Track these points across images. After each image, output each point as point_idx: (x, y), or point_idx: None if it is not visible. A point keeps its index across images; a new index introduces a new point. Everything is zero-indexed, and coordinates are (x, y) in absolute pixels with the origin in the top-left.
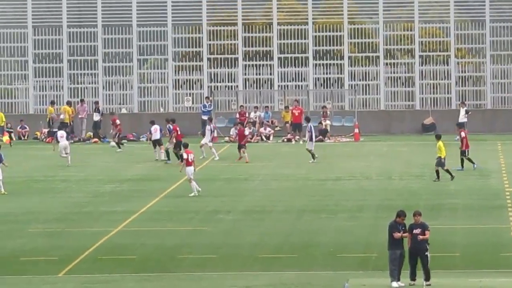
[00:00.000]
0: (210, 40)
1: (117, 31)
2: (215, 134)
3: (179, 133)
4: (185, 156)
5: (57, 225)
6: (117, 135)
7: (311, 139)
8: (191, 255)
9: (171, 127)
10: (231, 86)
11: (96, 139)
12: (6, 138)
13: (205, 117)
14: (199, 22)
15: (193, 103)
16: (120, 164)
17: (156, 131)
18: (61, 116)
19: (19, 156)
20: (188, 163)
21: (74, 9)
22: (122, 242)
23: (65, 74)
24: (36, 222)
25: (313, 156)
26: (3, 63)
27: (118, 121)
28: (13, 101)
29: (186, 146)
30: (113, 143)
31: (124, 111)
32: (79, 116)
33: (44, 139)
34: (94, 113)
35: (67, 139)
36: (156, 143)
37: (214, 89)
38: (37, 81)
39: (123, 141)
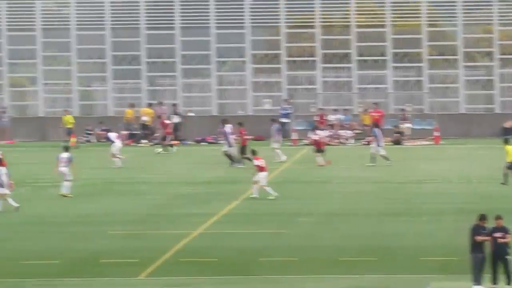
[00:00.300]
0: (288, 42)
1: (195, 33)
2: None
3: (245, 137)
4: (256, 162)
5: (137, 227)
6: (166, 138)
7: (377, 143)
8: (271, 257)
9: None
10: (310, 89)
11: (176, 141)
12: (73, 140)
13: (284, 120)
14: (277, 25)
15: (272, 105)
16: (200, 166)
17: (230, 131)
18: (143, 119)
19: (99, 158)
20: (261, 169)
21: (152, 11)
22: (202, 244)
23: (143, 76)
24: (116, 224)
25: (386, 158)
26: (82, 65)
27: (166, 122)
28: (92, 103)
29: (255, 153)
30: (158, 149)
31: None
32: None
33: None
34: (173, 116)
35: (150, 141)
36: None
37: (293, 92)
38: (116, 83)
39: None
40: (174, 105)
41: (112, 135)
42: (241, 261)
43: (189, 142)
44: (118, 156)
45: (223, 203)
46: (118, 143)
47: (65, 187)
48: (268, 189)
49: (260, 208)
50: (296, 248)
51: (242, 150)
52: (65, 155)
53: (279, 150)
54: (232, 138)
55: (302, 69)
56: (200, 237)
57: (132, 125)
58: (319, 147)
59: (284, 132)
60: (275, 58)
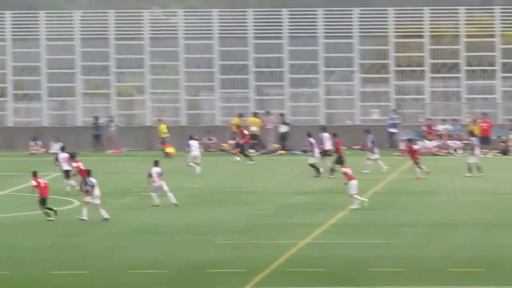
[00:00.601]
0: (397, 52)
1: (303, 42)
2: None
3: (340, 147)
4: (344, 170)
5: (244, 236)
6: (244, 146)
7: (473, 153)
8: (378, 268)
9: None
10: (418, 99)
11: (283, 151)
12: (170, 149)
13: (392, 130)
14: (386, 34)
15: (380, 115)
16: (307, 176)
17: (328, 140)
18: (251, 128)
19: (206, 167)
20: (351, 177)
21: (260, 20)
22: (310, 254)
23: (251, 86)
24: (223, 234)
25: (476, 169)
26: (189, 74)
27: (246, 132)
28: (199, 113)
29: (342, 162)
30: (237, 158)
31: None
32: (266, 128)
33: (231, 151)
34: (281, 125)
35: (257, 151)
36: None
37: (401, 102)
38: (223, 93)
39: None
40: (282, 114)
41: (192, 143)
42: (348, 272)
43: (296, 152)
44: (196, 163)
45: (331, 213)
46: (196, 151)
47: (171, 197)
48: (357, 197)
49: (367, 218)
50: (403, 259)
51: (338, 160)
52: (157, 169)
53: (370, 161)
54: (317, 148)
55: (410, 79)
56: (307, 247)
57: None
58: (414, 156)
59: (392, 142)
60: (383, 67)
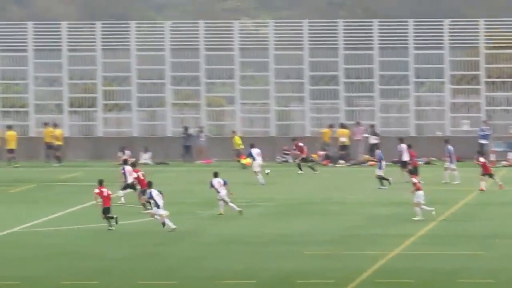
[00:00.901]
0: (488, 63)
1: (393, 53)
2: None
3: (415, 159)
4: (414, 180)
5: (333, 247)
6: (302, 158)
7: None
8: (468, 279)
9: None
10: (509, 110)
11: (373, 162)
12: (247, 160)
13: (483, 141)
14: (476, 45)
15: (470, 127)
16: (395, 187)
17: (406, 151)
18: (341, 139)
19: (296, 178)
20: (418, 187)
21: (351, 31)
22: (399, 265)
23: (341, 97)
24: (312, 244)
25: None
26: (279, 85)
27: (301, 144)
28: (289, 123)
29: (413, 172)
30: (300, 171)
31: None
32: (355, 139)
33: (321, 162)
34: (371, 136)
35: (346, 162)
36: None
37: (492, 113)
38: (313, 103)
39: (310, 163)
40: (372, 125)
41: (255, 152)
42: (438, 283)
43: (386, 163)
44: (258, 172)
45: (420, 224)
46: (258, 160)
47: (234, 206)
48: (424, 207)
49: (457, 229)
50: (493, 270)
51: (413, 171)
52: (218, 180)
53: (448, 171)
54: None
55: (501, 90)
56: (396, 258)
57: (329, 145)
58: (486, 170)
59: (483, 153)
60: (474, 78)
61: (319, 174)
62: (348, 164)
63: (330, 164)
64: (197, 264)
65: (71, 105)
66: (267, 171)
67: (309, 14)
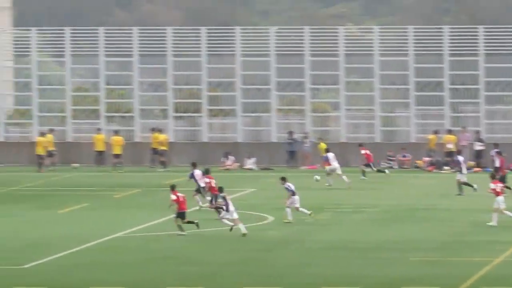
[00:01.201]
0: None
1: (500, 60)
2: None
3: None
4: (493, 186)
5: (438, 253)
6: (366, 164)
7: None
8: None
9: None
10: None
11: (478, 168)
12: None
13: None
14: None
15: None
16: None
17: (497, 158)
18: (448, 146)
19: (401, 184)
20: (497, 193)
21: (456, 37)
22: (506, 272)
23: (446, 103)
24: (418, 251)
25: None
26: (384, 91)
27: (363, 151)
28: (394, 129)
29: (496, 177)
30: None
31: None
32: (461, 145)
33: (426, 168)
34: (476, 142)
35: (452, 168)
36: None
37: None
38: (418, 110)
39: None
40: (477, 132)
41: (330, 156)
42: None
43: (490, 170)
44: (338, 174)
45: None
46: (335, 163)
47: (304, 210)
48: (507, 213)
49: None
50: None
51: (501, 179)
52: (289, 184)
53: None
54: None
55: None
56: (502, 264)
57: (434, 151)
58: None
59: None
60: None
61: (423, 180)
62: (453, 170)
63: (435, 170)
64: (301, 270)
65: (176, 111)
66: (317, 177)
67: (414, 20)
